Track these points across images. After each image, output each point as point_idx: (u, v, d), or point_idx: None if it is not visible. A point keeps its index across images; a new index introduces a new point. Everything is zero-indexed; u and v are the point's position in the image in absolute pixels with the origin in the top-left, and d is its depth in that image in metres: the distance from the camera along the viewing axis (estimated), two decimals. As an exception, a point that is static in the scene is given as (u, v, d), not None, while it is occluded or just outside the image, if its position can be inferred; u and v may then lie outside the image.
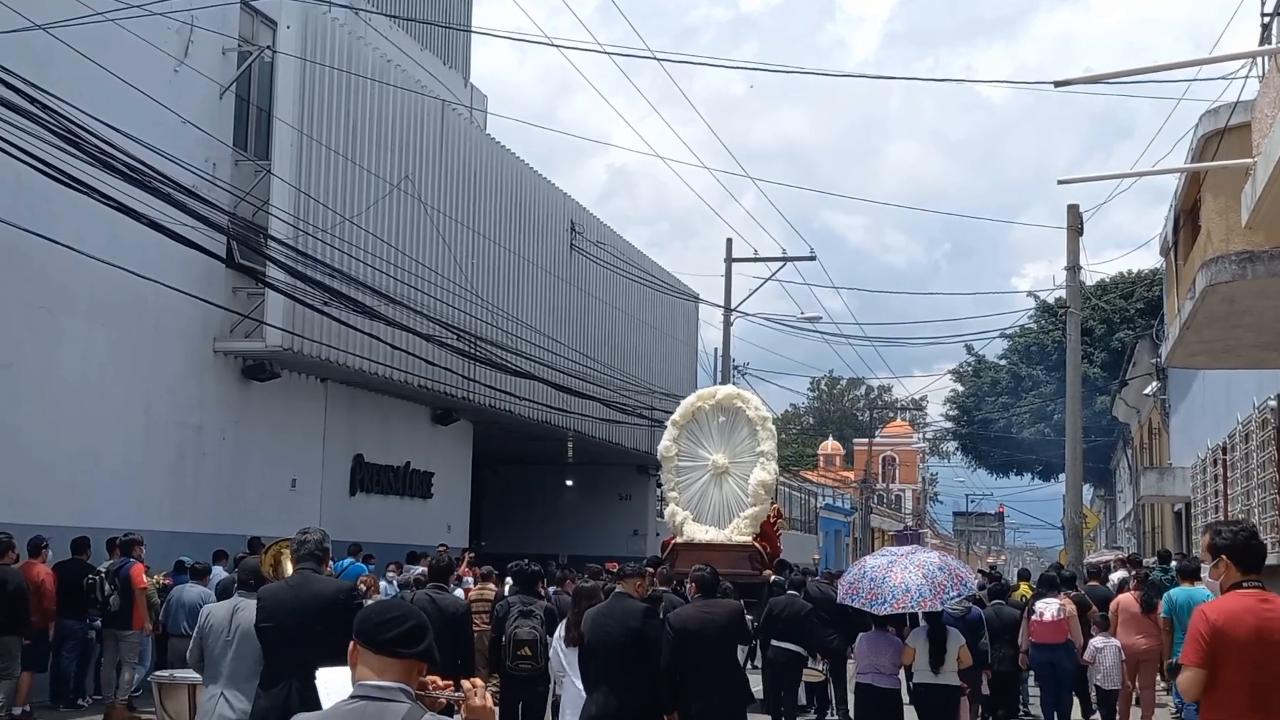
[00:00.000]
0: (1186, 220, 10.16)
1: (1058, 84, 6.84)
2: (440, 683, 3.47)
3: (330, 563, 7.51)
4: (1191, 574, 11.89)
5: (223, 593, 13.60)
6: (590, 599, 9.03)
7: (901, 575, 10.74)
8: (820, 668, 14.73)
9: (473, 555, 22.01)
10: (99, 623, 14.30)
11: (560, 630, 9.86)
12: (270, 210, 18.38)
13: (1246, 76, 9.25)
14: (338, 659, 6.14)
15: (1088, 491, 44.24)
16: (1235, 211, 8.30)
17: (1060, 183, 8.44)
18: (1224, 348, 10.55)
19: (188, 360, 18.00)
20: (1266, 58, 7.38)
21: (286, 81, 18.83)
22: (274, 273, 17.82)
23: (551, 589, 13.90)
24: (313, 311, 18.41)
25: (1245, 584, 5.22)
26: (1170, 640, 11.60)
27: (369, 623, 3.40)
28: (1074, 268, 20.40)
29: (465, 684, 3.52)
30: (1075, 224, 20.19)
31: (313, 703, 6.35)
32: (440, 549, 18.28)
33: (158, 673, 10.59)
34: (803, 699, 15.14)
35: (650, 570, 12.87)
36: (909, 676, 11.39)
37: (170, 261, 16.24)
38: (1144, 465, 25.47)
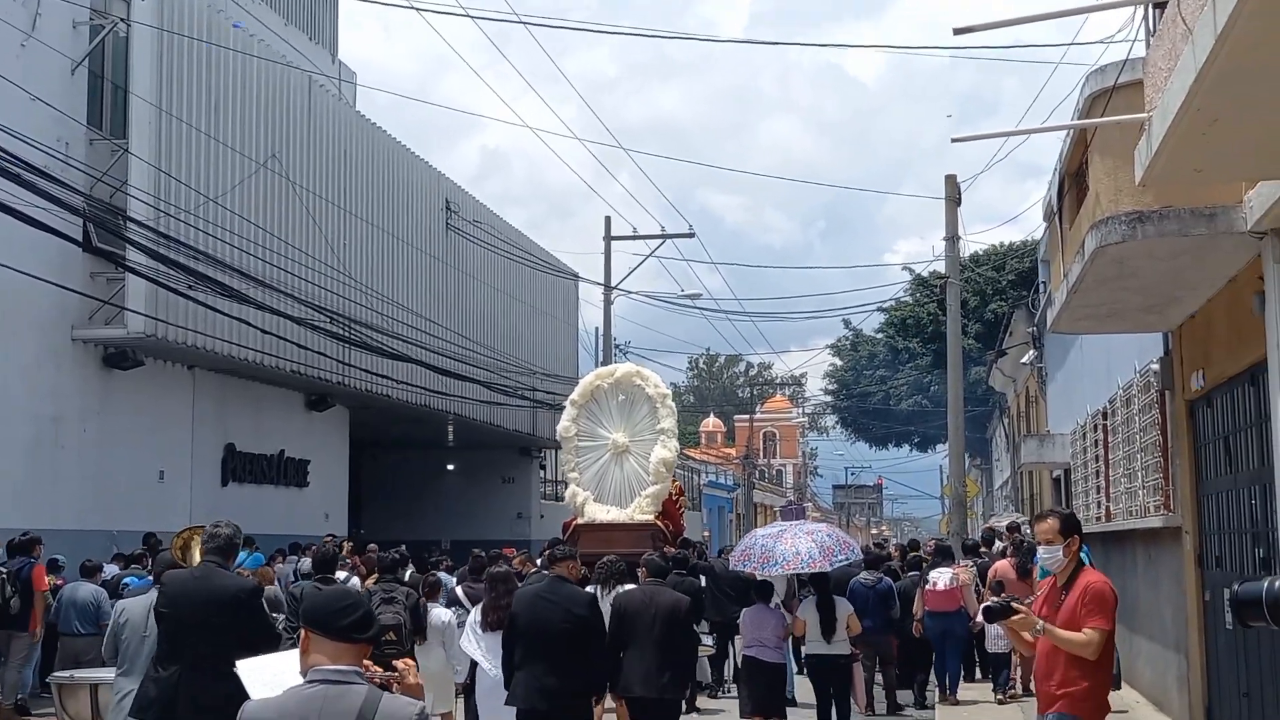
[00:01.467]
0: (1071, 183, 10.07)
1: (957, 30, 6.66)
2: (374, 666, 3.64)
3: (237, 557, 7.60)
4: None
5: (113, 589, 13.27)
6: (506, 584, 9.18)
7: (792, 541, 11.20)
8: (709, 641, 14.87)
9: (352, 544, 21.41)
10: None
11: (475, 615, 9.84)
12: (128, 191, 17.58)
13: (1132, 40, 9.17)
14: (229, 652, 6.07)
15: (965, 461, 44.86)
16: (1124, 171, 8.17)
17: (954, 141, 8.36)
18: (1110, 311, 10.50)
19: (41, 348, 17.16)
20: (1153, 9, 7.25)
21: (143, 56, 18.04)
22: (134, 256, 17.04)
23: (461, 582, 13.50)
24: (177, 296, 17.66)
25: None
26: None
27: (323, 611, 3.55)
28: (953, 238, 20.47)
29: (398, 664, 3.77)
30: (953, 194, 20.24)
31: (198, 691, 6.61)
32: (326, 539, 17.83)
33: (57, 673, 10.49)
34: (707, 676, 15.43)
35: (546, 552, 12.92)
36: (798, 647, 11.65)
37: (21, 246, 15.43)
38: (1023, 434, 25.75)
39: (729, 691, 15.38)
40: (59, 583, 14.53)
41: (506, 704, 8.29)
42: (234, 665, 6.32)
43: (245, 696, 6.06)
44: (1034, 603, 6.50)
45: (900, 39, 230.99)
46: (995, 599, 6.38)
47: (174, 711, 6.74)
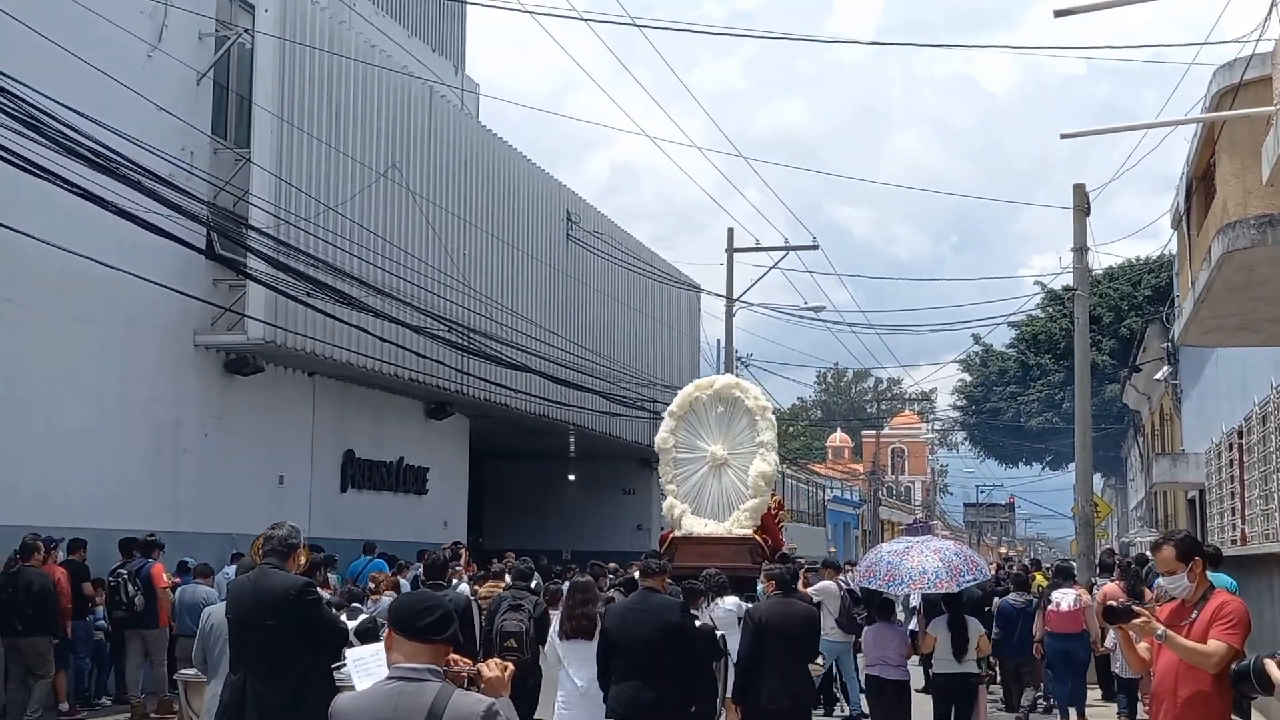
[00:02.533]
0: (1199, 187, 9.55)
1: (1058, 13, 6.35)
2: (461, 660, 4.01)
3: (301, 558, 7.46)
4: (1214, 560, 11.89)
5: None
6: (585, 593, 9.13)
7: (918, 559, 11.04)
8: (820, 660, 14.54)
9: (467, 551, 21.46)
10: (103, 622, 14.72)
11: (555, 624, 9.74)
12: (250, 200, 17.81)
13: (1259, 39, 8.65)
14: (287, 652, 6.62)
15: (1098, 481, 43.58)
16: (1253, 173, 7.71)
17: (1063, 137, 7.93)
18: (1240, 323, 9.97)
19: (165, 354, 17.43)
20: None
21: (265, 66, 18.25)
22: (255, 264, 17.27)
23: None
24: (296, 304, 17.85)
25: None
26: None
27: (404, 613, 3.88)
28: (1081, 249, 19.79)
29: (481, 666, 4.06)
30: (1082, 204, 19.57)
31: (263, 693, 6.69)
32: (446, 547, 17.86)
33: (184, 670, 10.69)
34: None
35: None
36: (928, 665, 11.53)
37: (146, 253, 15.70)
38: (1156, 452, 24.85)
39: (842, 711, 15.11)
40: (177, 581, 14.85)
41: (607, 717, 8.29)
42: (295, 665, 6.69)
43: (311, 696, 6.52)
44: (1157, 613, 6.07)
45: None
46: (1118, 601, 6.00)
47: (243, 716, 6.74)
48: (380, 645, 4.68)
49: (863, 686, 12.80)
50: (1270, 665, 3.70)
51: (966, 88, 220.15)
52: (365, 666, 5.20)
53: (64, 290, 15.48)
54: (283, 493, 19.81)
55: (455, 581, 14.75)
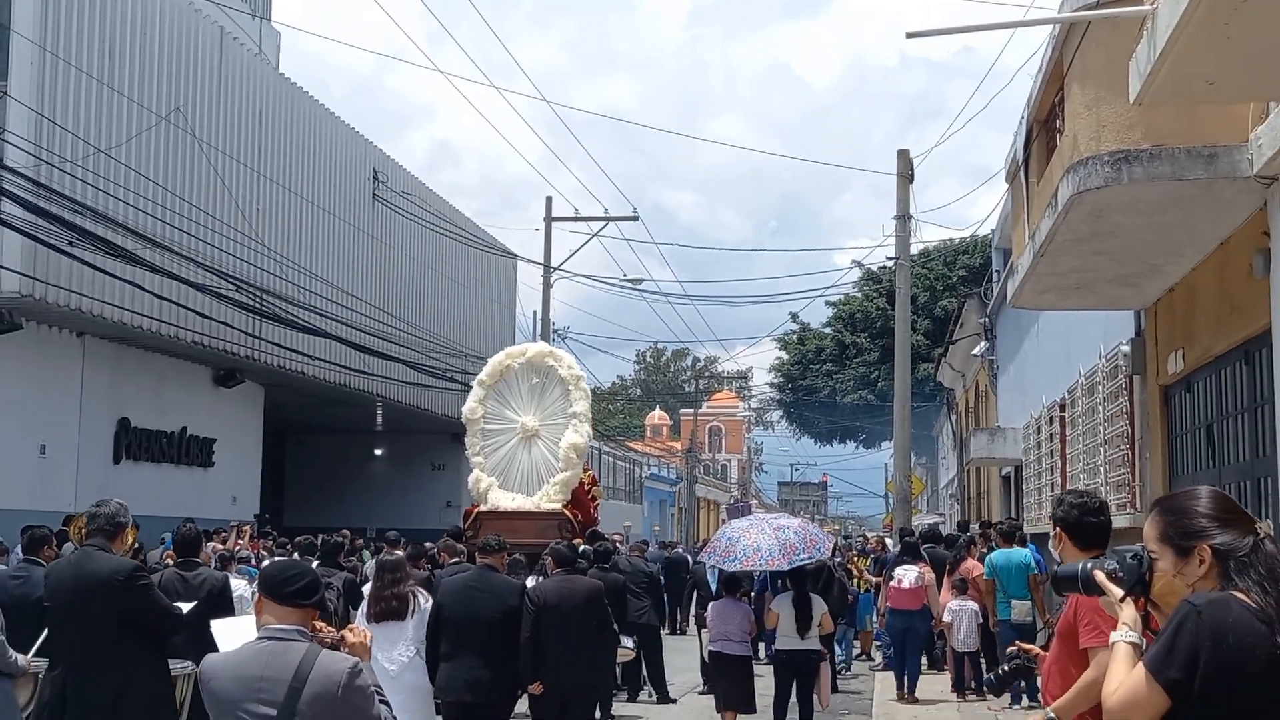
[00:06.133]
0: (1040, 132, 8.80)
1: (909, 35, 5.97)
2: (325, 627, 4.17)
3: (129, 538, 6.95)
4: (1010, 536, 12.80)
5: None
6: (396, 572, 8.70)
7: (755, 537, 11.30)
8: (630, 644, 13.76)
9: (250, 528, 19.93)
10: None
11: (364, 606, 9.28)
12: (6, 138, 15.98)
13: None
14: (117, 642, 6.25)
15: (910, 459, 43.95)
16: (1108, 104, 6.92)
17: (909, 36, 7.01)
18: (1079, 282, 9.27)
19: (-99, 306, 15.56)
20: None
21: (26, -10, 16.44)
22: (9, 209, 15.47)
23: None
24: (58, 254, 16.10)
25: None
26: (993, 600, 12.54)
27: (273, 579, 4.04)
28: (904, 216, 19.25)
29: (346, 632, 4.21)
30: (906, 170, 19.02)
31: (88, 689, 6.21)
32: (233, 524, 16.34)
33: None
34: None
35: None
36: (770, 641, 11.58)
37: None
38: (973, 428, 24.65)
39: (650, 696, 14.39)
40: None
41: (436, 697, 8.15)
42: (125, 657, 6.28)
43: (140, 690, 6.27)
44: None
45: (843, 38, 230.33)
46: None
47: (64, 715, 6.14)
48: (243, 619, 4.99)
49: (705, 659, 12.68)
50: (1100, 576, 2.91)
51: (786, 77, 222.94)
52: (229, 635, 4.88)
53: None
54: (44, 463, 18.01)
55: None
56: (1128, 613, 2.99)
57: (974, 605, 13.23)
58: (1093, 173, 6.86)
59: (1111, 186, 6.82)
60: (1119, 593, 3.02)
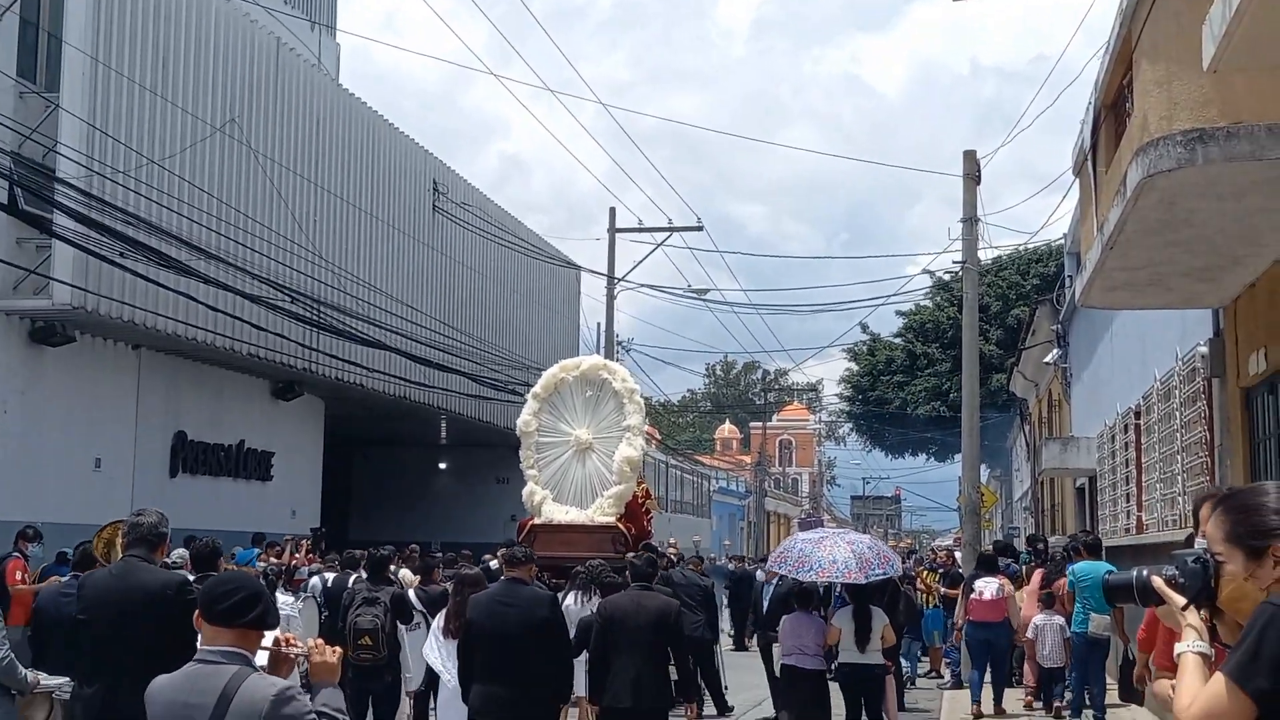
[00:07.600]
0: (1108, 117, 8.27)
1: None
2: (292, 639, 4.03)
3: (168, 549, 6.93)
4: (1094, 548, 12.52)
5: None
6: (475, 587, 8.56)
7: (830, 549, 11.09)
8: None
9: (307, 542, 19.73)
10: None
11: (438, 622, 9.37)
12: (59, 150, 15.91)
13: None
14: (161, 660, 5.50)
15: (983, 472, 43.06)
16: (1180, 80, 6.41)
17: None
18: (1151, 277, 8.72)
19: (-43, 320, 15.50)
20: None
21: (78, 2, 16.35)
22: (62, 221, 15.37)
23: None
24: (112, 267, 16.00)
25: None
26: (1072, 610, 12.33)
27: (206, 596, 3.92)
28: (971, 219, 18.64)
29: (310, 642, 4.02)
30: (972, 171, 18.43)
31: (129, 710, 5.45)
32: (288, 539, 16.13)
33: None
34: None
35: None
36: (832, 657, 11.50)
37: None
38: (1045, 438, 23.94)
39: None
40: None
41: (471, 717, 7.85)
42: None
43: None
44: None
45: (914, 47, 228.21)
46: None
47: None
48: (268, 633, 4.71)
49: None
50: (1158, 582, 2.74)
51: (853, 85, 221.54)
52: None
53: None
54: (100, 477, 17.91)
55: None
56: (1193, 620, 2.66)
57: (1060, 619, 13.03)
58: (1164, 154, 6.34)
59: (1185, 169, 6.30)
60: (1181, 601, 2.70)
